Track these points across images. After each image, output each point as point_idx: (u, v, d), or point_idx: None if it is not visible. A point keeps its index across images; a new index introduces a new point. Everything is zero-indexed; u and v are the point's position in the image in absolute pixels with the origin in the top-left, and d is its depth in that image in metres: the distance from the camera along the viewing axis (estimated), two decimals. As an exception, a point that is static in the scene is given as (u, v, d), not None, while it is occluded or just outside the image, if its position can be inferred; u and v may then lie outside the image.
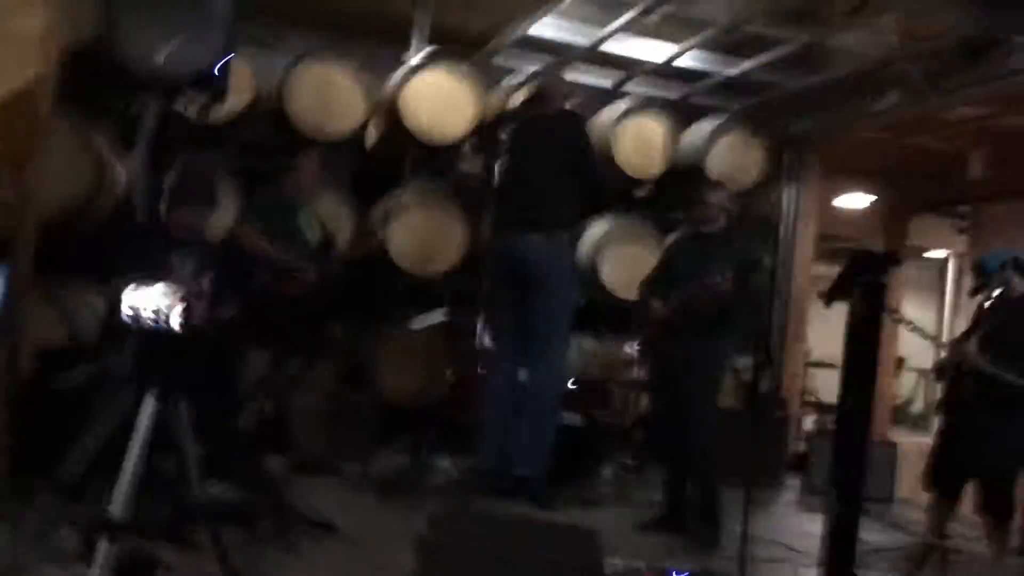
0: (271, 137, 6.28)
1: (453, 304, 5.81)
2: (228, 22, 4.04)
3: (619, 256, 6.77)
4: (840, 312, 3.05)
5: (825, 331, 7.99)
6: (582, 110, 5.78)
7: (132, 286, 2.90)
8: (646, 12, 5.61)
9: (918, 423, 11.55)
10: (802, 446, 7.04)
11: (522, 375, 4.95)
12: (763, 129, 7.14)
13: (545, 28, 6.14)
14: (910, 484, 5.10)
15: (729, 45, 6.40)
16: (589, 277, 6.75)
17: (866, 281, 2.69)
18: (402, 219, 6.23)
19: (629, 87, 7.06)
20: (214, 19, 3.99)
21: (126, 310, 2.87)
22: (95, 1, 3.89)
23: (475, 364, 5.35)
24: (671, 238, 6.30)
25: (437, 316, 5.63)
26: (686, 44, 6.26)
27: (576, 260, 6.73)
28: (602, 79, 6.99)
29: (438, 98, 6.32)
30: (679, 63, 6.55)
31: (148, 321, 2.87)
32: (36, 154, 3.73)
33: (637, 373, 5.83)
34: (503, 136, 4.98)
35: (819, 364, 8.98)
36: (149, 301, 2.87)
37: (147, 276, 2.98)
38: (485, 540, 3.04)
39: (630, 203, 7.03)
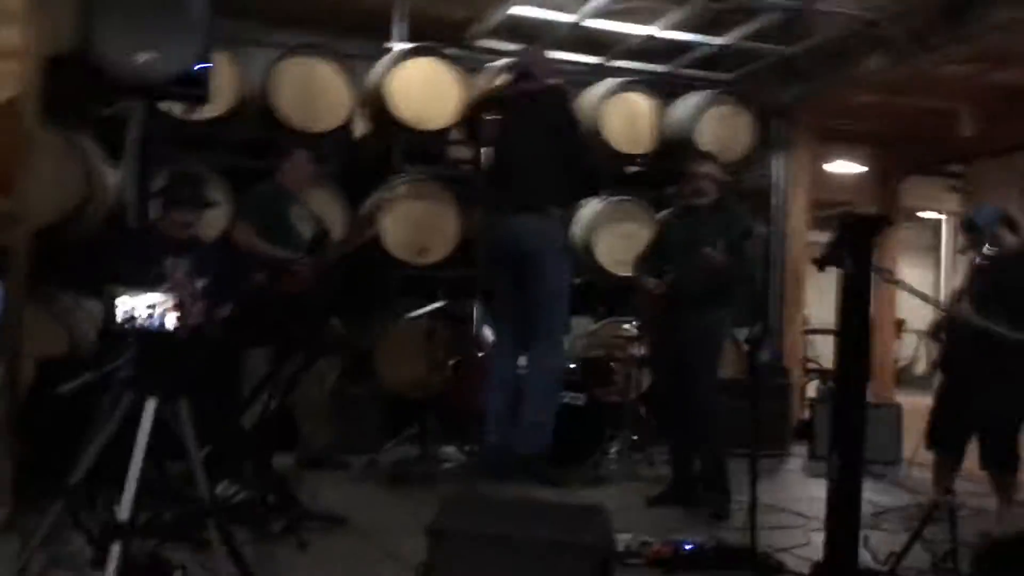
0: (259, 135, 6.27)
1: (450, 292, 5.82)
2: (206, 23, 4.03)
3: (613, 235, 6.78)
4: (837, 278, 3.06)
5: (824, 298, 8.02)
6: (567, 86, 5.76)
7: (127, 290, 2.90)
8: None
9: (921, 384, 11.58)
10: (807, 413, 7.06)
11: (523, 357, 4.97)
12: (751, 99, 7.14)
13: (526, 10, 6.12)
14: (915, 446, 5.11)
15: (712, 17, 6.38)
16: (584, 257, 6.76)
17: (855, 242, 2.69)
18: (395, 210, 6.23)
19: (614, 64, 7.04)
20: (192, 20, 3.98)
21: (121, 315, 2.88)
22: (72, 10, 3.88)
23: (475, 350, 5.37)
24: (663, 214, 6.30)
25: (435, 305, 5.63)
26: (670, 18, 6.24)
27: (570, 239, 6.74)
28: (587, 58, 6.98)
29: (423, 86, 6.32)
30: (663, 37, 6.52)
31: (144, 324, 2.88)
32: (24, 166, 3.74)
33: (638, 350, 5.85)
34: (489, 116, 4.96)
35: (819, 331, 8.99)
36: (144, 304, 2.87)
37: (141, 280, 2.99)
38: (495, 524, 3.05)
39: (622, 181, 7.03)
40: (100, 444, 2.97)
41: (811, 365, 8.83)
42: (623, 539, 3.69)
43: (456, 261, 6.38)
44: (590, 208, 6.82)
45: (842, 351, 2.78)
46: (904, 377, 11.18)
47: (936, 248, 12.42)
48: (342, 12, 6.31)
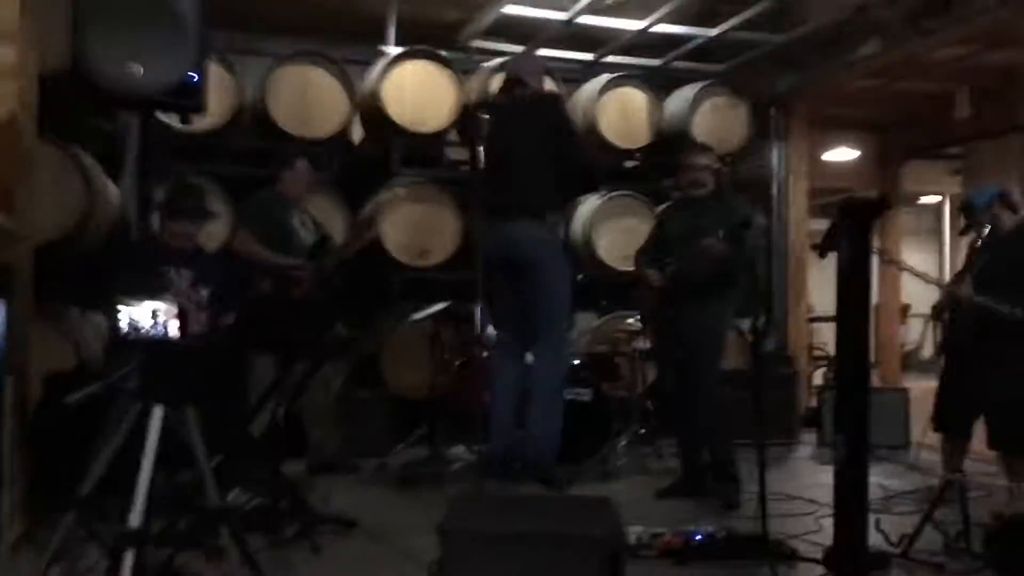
0: (257, 144, 6.30)
1: (452, 293, 5.83)
2: (198, 33, 4.04)
3: (614, 230, 6.79)
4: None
5: (828, 286, 8.00)
6: (561, 90, 5.76)
7: (130, 300, 2.92)
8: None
9: (928, 369, 11.56)
10: (814, 401, 7.06)
11: (527, 358, 4.96)
12: (746, 89, 7.14)
13: (518, 9, 6.13)
14: (924, 429, 5.12)
15: (705, 8, 6.39)
16: (586, 253, 6.77)
17: (853, 225, 2.70)
18: (395, 213, 6.25)
19: (608, 60, 7.05)
20: (184, 31, 3.99)
21: (126, 325, 2.90)
22: (65, 25, 3.89)
23: (479, 351, 5.37)
24: (662, 207, 6.31)
25: (438, 307, 5.65)
26: (662, 12, 6.25)
27: (569, 239, 6.75)
28: (580, 54, 6.99)
29: (418, 89, 6.35)
30: (655, 31, 6.53)
31: (148, 333, 2.90)
32: (25, 183, 3.76)
33: (642, 344, 5.85)
34: (483, 118, 4.96)
35: (823, 319, 8.99)
36: (147, 315, 2.89)
37: (145, 291, 3.01)
38: (504, 520, 3.06)
39: (620, 175, 7.04)
40: (109, 454, 2.99)
41: (817, 353, 8.83)
42: (634, 531, 3.70)
43: (457, 262, 6.40)
44: (590, 205, 6.83)
45: (841, 331, 2.79)
46: (911, 361, 11.17)
47: (939, 232, 12.42)
48: (335, 19, 6.34)
